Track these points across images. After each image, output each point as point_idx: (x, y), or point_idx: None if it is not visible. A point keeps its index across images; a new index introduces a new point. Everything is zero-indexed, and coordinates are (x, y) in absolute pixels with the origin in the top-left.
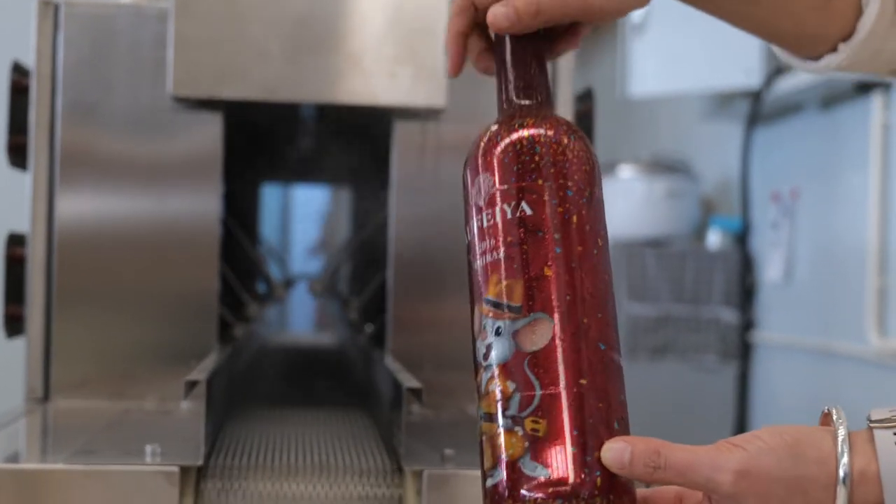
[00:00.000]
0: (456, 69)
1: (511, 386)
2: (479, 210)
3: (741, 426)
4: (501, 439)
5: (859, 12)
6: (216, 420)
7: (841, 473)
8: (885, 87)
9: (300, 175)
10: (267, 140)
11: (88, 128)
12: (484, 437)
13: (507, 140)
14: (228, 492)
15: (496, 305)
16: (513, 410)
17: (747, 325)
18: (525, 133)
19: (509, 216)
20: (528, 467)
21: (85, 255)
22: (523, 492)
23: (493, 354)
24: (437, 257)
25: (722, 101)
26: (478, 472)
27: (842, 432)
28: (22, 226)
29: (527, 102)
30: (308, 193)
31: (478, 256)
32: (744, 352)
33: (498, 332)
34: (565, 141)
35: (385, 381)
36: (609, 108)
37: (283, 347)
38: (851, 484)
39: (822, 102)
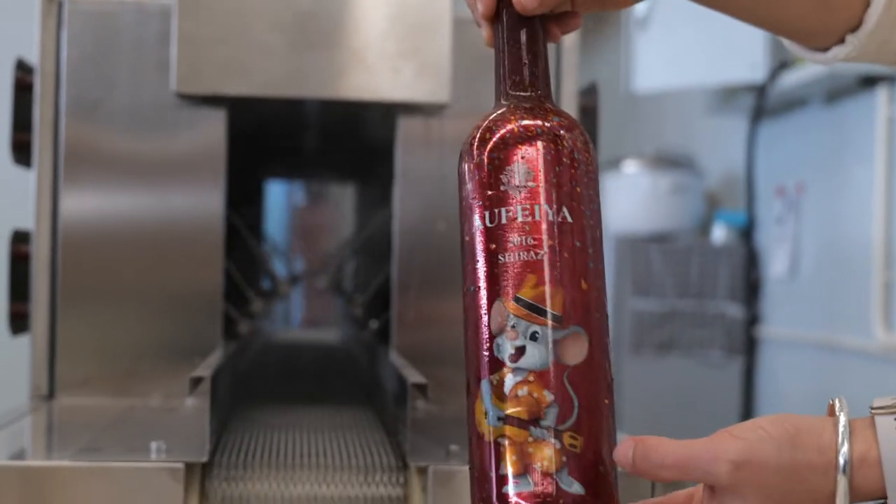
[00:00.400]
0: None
1: (549, 397)
2: (510, 199)
3: None
4: (534, 448)
5: (867, 3)
6: (221, 417)
7: (841, 461)
8: (891, 80)
9: (304, 171)
10: (271, 136)
11: (92, 125)
12: (504, 440)
13: (550, 135)
14: (233, 488)
15: (535, 309)
16: (549, 422)
17: (752, 319)
18: (564, 133)
19: (551, 218)
20: (565, 482)
21: (89, 253)
22: None
23: (528, 360)
24: (441, 253)
25: (726, 96)
26: None
27: (843, 421)
28: (26, 223)
29: (539, 92)
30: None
31: (508, 249)
32: (749, 347)
33: (534, 338)
34: (590, 149)
35: (390, 377)
36: (613, 104)
37: (287, 344)
38: (851, 470)
39: (826, 96)
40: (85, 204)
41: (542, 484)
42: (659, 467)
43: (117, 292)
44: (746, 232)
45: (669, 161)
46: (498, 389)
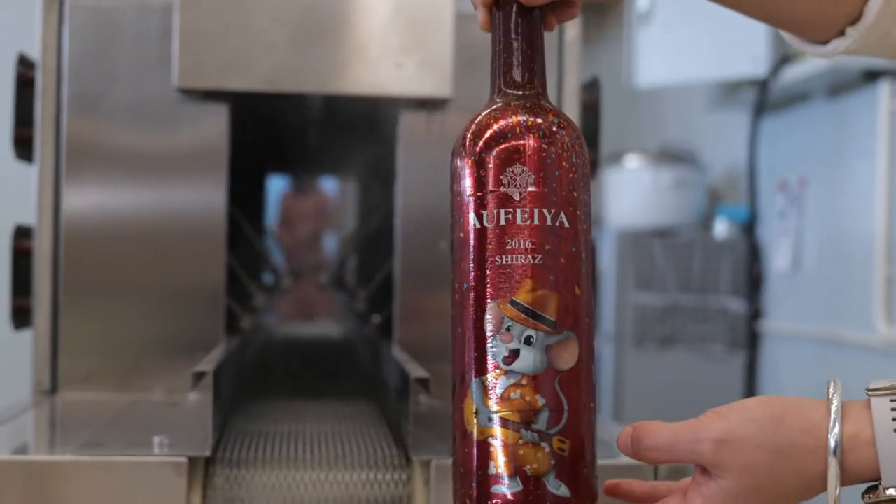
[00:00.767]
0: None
1: (541, 401)
2: (510, 201)
3: None
4: (524, 451)
5: None
6: (223, 411)
7: (832, 443)
8: (893, 74)
9: (306, 167)
10: (273, 132)
11: (94, 120)
12: (494, 440)
13: (551, 137)
14: (236, 482)
15: (529, 313)
16: (540, 426)
17: (755, 314)
18: (563, 135)
19: (549, 223)
20: (553, 485)
21: (91, 248)
22: None
23: (522, 363)
24: (443, 247)
25: (729, 91)
26: None
27: (835, 403)
28: (28, 218)
29: (536, 90)
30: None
31: (505, 252)
32: (751, 341)
33: (529, 342)
34: (585, 149)
35: (392, 372)
36: (615, 98)
37: (289, 338)
38: (842, 451)
39: (829, 91)
40: (87, 199)
41: (531, 486)
42: (650, 450)
43: (120, 287)
44: (749, 226)
45: (671, 156)
46: (490, 390)
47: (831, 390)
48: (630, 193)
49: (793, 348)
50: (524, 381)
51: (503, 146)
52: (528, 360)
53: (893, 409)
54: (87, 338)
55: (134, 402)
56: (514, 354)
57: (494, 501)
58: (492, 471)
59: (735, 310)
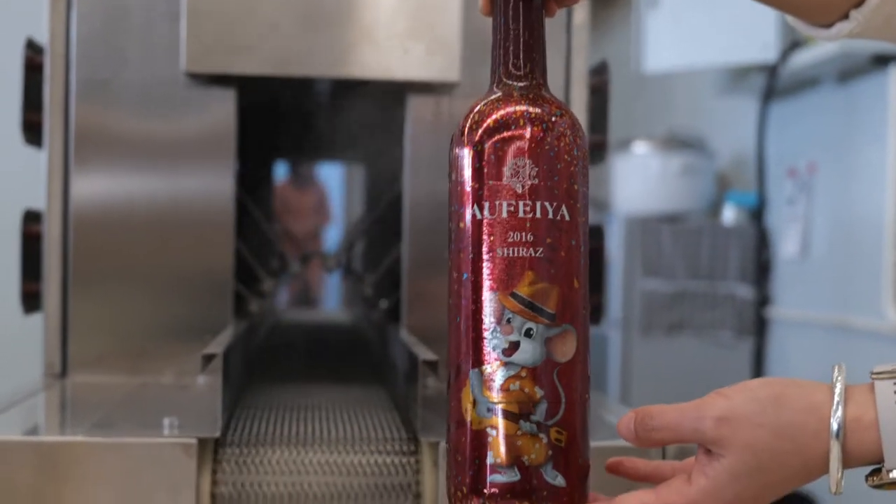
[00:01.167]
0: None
1: (539, 393)
2: (511, 193)
3: None
4: (522, 442)
5: None
6: (233, 393)
7: (834, 426)
8: None
9: (314, 151)
10: (280, 116)
11: (102, 105)
12: (492, 430)
13: (553, 130)
14: (245, 463)
15: (530, 306)
16: (538, 417)
17: (763, 300)
18: (565, 127)
19: (551, 216)
20: (550, 475)
21: (101, 232)
22: (543, 496)
23: (521, 355)
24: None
25: (737, 76)
26: None
27: (839, 387)
28: (38, 203)
29: (537, 80)
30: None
31: (506, 244)
32: (760, 327)
33: (528, 334)
34: (584, 141)
35: (401, 355)
36: (624, 84)
37: (298, 322)
38: (845, 434)
39: (838, 76)
40: (95, 184)
41: (528, 475)
42: (656, 430)
43: (129, 271)
44: (757, 213)
45: (680, 142)
46: (489, 381)
47: (836, 373)
48: (638, 179)
49: (801, 335)
50: (523, 373)
51: (505, 136)
52: (528, 352)
53: None
54: (96, 321)
55: (144, 385)
56: (515, 346)
57: (492, 490)
58: (489, 460)
59: (743, 296)
